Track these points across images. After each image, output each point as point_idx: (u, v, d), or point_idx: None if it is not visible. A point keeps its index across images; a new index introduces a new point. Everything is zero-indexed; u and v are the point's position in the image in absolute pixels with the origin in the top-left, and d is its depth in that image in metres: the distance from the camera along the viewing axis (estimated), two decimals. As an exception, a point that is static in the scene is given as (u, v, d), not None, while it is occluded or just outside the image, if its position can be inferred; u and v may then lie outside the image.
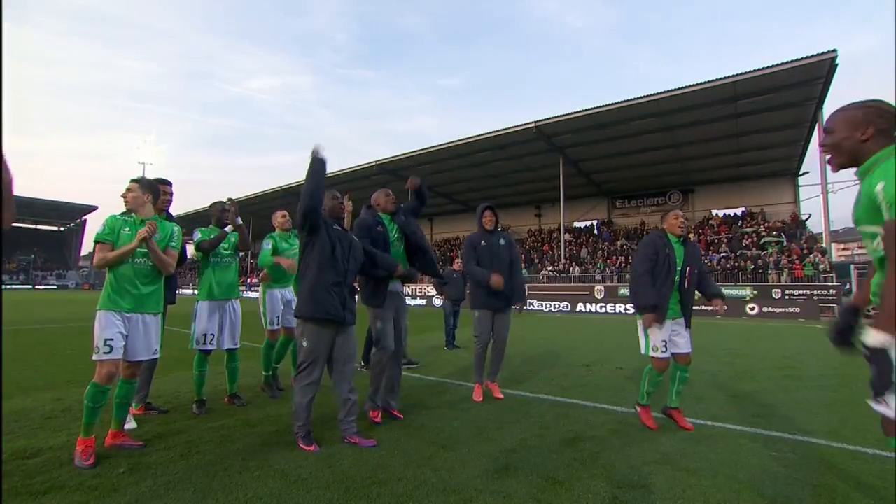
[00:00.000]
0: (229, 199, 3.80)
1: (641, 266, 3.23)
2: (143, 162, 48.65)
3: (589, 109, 18.51)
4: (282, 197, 31.64)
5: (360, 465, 2.52)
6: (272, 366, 4.20)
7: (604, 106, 18.17)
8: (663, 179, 25.77)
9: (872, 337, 1.39)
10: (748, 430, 3.26)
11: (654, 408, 3.42)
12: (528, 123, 19.95)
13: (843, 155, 1.65)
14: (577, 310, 19.44)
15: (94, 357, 2.56)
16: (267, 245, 4.17)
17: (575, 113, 18.90)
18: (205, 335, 3.55)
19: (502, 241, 4.13)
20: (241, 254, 3.91)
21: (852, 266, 16.09)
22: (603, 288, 19.12)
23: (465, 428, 3.23)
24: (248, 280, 37.30)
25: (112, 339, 2.58)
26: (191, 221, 34.85)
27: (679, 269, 3.23)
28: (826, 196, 18.03)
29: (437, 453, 2.71)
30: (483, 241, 4.08)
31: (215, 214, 3.84)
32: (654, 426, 3.24)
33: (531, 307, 20.78)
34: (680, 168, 23.88)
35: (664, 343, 3.21)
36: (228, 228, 3.73)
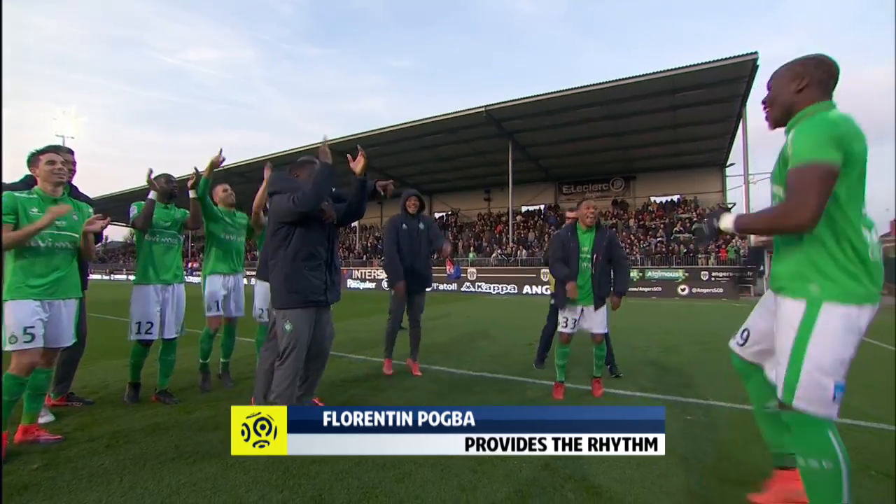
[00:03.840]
0: (194, 170, 3.49)
1: (553, 257, 3.66)
2: (63, 135, 43.85)
3: (537, 96, 18.86)
4: (224, 178, 29.88)
5: (301, 446, 2.51)
6: (222, 361, 3.93)
7: (552, 93, 18.58)
8: (607, 166, 26.91)
9: (726, 220, 1.66)
10: (670, 398, 3.56)
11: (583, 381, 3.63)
12: (478, 108, 20.04)
13: (779, 108, 1.64)
14: (524, 292, 20.09)
15: (11, 347, 2.34)
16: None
17: (524, 98, 19.20)
18: (139, 324, 3.20)
19: (422, 226, 4.32)
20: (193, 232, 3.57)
21: (766, 251, 17.87)
22: (548, 271, 19.84)
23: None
24: (189, 264, 35.26)
25: (33, 327, 2.39)
26: (123, 203, 32.28)
27: (589, 256, 3.53)
28: (748, 186, 19.65)
29: (379, 432, 2.74)
30: (404, 225, 4.23)
31: (159, 187, 3.36)
32: (559, 398, 3.58)
33: (480, 289, 21.21)
34: (623, 156, 25.01)
35: (566, 320, 3.60)
36: (152, 195, 3.26)
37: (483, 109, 19.92)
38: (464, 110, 20.50)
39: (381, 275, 23.05)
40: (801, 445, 1.52)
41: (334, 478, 2.14)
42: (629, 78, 17.16)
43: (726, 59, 15.65)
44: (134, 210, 3.30)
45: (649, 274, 19.36)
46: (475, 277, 22.03)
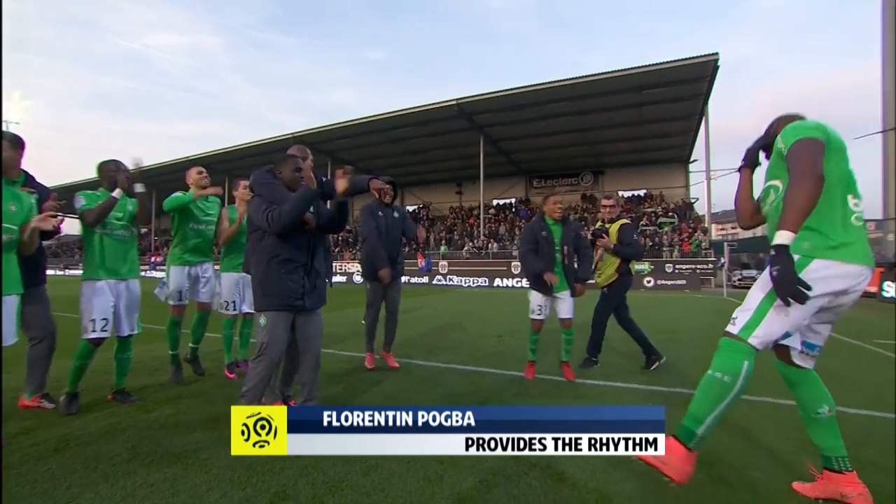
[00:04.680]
0: (135, 160, 3.22)
1: (524, 247, 3.83)
2: (7, 120, 40.99)
3: (509, 90, 18.98)
4: (189, 168, 28.70)
5: (265, 443, 2.45)
6: (191, 346, 3.85)
7: (523, 87, 18.72)
8: (577, 161, 27.40)
9: (780, 236, 1.59)
10: (632, 386, 3.67)
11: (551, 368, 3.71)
12: (449, 101, 20.02)
13: (769, 138, 1.94)
14: (495, 284, 20.29)
15: None
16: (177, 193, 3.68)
17: (495, 93, 19.28)
18: (93, 321, 2.92)
19: (396, 214, 4.26)
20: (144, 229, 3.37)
21: (725, 244, 18.68)
22: (519, 264, 20.10)
23: (375, 398, 3.29)
24: (153, 258, 33.94)
25: None
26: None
27: (558, 247, 3.73)
28: (709, 182, 20.42)
29: (346, 426, 2.72)
30: (380, 212, 4.16)
31: (107, 176, 3.11)
32: (530, 377, 3.84)
33: (451, 282, 21.29)
34: (592, 150, 25.51)
35: (539, 307, 3.79)
36: (117, 193, 3.02)
37: (455, 103, 19.90)
38: (435, 103, 20.42)
39: (352, 268, 22.81)
40: (718, 360, 1.73)
41: (298, 473, 2.10)
42: (598, 74, 17.49)
43: (689, 58, 16.16)
44: (81, 201, 3.00)
45: (616, 266, 19.88)
46: (447, 270, 22.08)
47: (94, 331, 2.96)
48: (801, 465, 2.16)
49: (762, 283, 1.73)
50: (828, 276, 1.63)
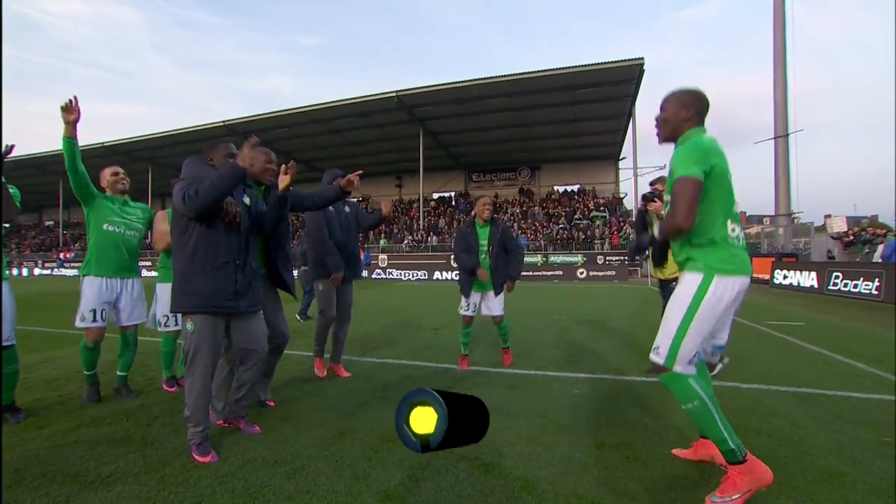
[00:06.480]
0: (5, 147, 2.55)
1: (456, 249, 4.11)
2: None
3: (449, 83, 19.05)
4: (104, 156, 25.90)
5: (183, 449, 2.29)
6: (119, 374, 3.32)
7: (462, 81, 18.87)
8: (514, 156, 28.09)
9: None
10: (561, 374, 3.83)
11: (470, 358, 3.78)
12: (389, 92, 19.75)
13: (669, 129, 2.01)
14: (435, 278, 20.39)
15: None
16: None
17: (435, 85, 19.28)
18: None
19: (348, 209, 3.95)
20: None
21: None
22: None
23: (306, 398, 3.18)
24: (62, 254, 30.57)
25: None
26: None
27: (484, 248, 3.93)
28: (637, 179, 21.80)
29: (273, 426, 2.62)
30: (331, 208, 3.76)
31: None
32: (464, 367, 4.07)
33: (391, 276, 21.15)
34: (528, 146, 26.27)
35: (468, 304, 4.03)
36: None
37: (395, 94, 19.66)
38: (375, 94, 20.08)
39: (289, 263, 21.96)
40: (678, 396, 1.89)
41: (217, 481, 1.98)
42: (534, 72, 18.01)
43: (618, 61, 17.09)
44: None
45: (552, 259, 20.71)
46: (386, 264, 21.89)
47: None
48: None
49: (678, 302, 1.90)
50: (724, 289, 1.83)
